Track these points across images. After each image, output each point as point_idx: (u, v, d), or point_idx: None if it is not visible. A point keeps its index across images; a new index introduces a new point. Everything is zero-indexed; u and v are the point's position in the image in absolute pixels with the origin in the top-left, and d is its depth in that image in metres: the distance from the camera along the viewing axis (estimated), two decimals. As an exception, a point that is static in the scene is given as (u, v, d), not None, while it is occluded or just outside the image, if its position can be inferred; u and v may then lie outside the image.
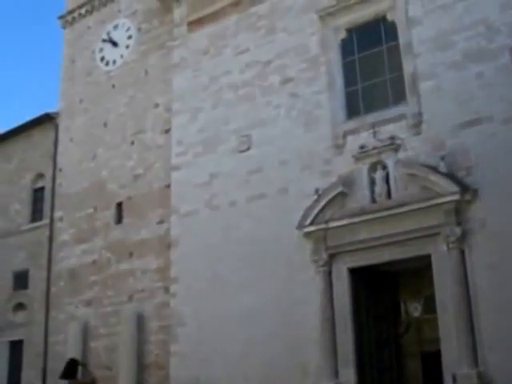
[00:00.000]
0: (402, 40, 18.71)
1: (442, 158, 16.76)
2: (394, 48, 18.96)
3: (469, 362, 15.48)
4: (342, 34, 19.98)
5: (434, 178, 16.74)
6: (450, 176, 16.57)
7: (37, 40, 69.62)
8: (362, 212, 17.75)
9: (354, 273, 18.07)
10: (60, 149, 27.88)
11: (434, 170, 16.82)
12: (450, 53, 17.70)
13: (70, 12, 29.30)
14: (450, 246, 16.30)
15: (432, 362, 17.68)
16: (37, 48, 70.17)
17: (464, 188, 16.30)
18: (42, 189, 28.72)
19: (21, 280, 27.84)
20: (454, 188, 16.33)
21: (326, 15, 20.19)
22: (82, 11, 28.78)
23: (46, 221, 27.63)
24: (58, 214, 27.03)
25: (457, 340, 15.75)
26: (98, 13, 28.19)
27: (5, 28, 70.79)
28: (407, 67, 18.38)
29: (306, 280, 18.42)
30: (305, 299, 18.36)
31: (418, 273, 18.26)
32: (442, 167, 16.69)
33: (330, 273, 18.18)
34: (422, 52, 18.18)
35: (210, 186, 21.35)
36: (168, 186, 22.79)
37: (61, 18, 29.68)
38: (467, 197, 16.30)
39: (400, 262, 17.64)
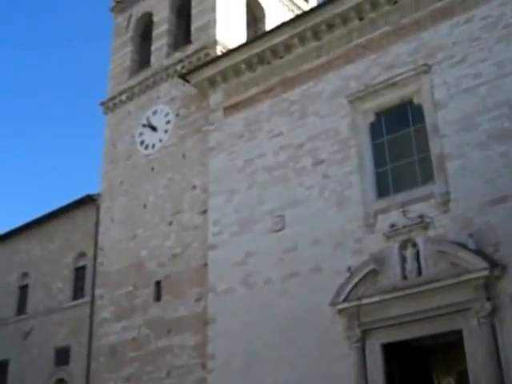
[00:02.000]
0: (428, 122, 19.42)
1: (471, 235, 17.17)
2: (421, 130, 19.66)
3: None
4: (371, 118, 20.72)
5: (463, 254, 17.14)
6: (479, 252, 16.95)
7: (79, 125, 72.04)
8: (394, 289, 18.12)
9: (387, 348, 18.28)
10: (101, 229, 28.55)
11: (463, 246, 17.22)
12: (474, 133, 18.34)
13: (112, 98, 30.37)
14: (481, 321, 16.55)
15: None
16: (79, 133, 72.52)
17: (493, 264, 16.67)
18: (83, 267, 29.30)
19: (62, 356, 28.29)
20: (483, 264, 16.70)
21: (355, 100, 21.02)
22: (123, 98, 29.81)
23: (87, 298, 28.13)
24: (98, 291, 27.52)
25: (491, 415, 15.84)
26: (138, 99, 29.18)
27: (49, 114, 73.41)
28: (434, 148, 19.01)
29: (340, 356, 18.68)
30: (339, 375, 18.55)
31: (450, 348, 18.42)
32: (471, 244, 17.08)
33: (363, 349, 18.41)
34: (448, 133, 18.83)
35: (245, 265, 21.80)
36: (205, 265, 23.29)
37: (102, 104, 30.75)
38: (496, 272, 16.65)
39: (432, 337, 17.88)
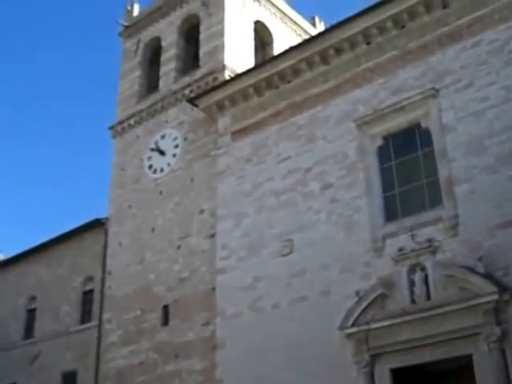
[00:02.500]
0: (436, 146, 19.47)
1: (480, 259, 17.12)
2: (429, 153, 19.69)
3: None
4: (379, 141, 20.77)
5: (472, 278, 17.08)
6: (488, 276, 16.88)
7: (88, 150, 72.41)
8: (403, 313, 18.04)
9: (397, 373, 18.16)
10: (109, 253, 28.54)
11: (472, 270, 17.17)
12: (483, 157, 18.37)
13: (120, 123, 30.50)
14: (491, 345, 16.45)
15: None
16: (88, 158, 72.87)
17: (502, 288, 16.59)
18: (91, 291, 29.28)
19: (69, 380, 28.16)
20: (493, 288, 16.63)
21: (362, 124, 21.09)
22: (131, 122, 29.94)
23: (94, 322, 28.07)
24: (106, 315, 27.46)
25: None
26: (147, 123, 29.31)
27: (59, 140, 73.86)
28: (442, 172, 19.03)
29: (349, 381, 18.55)
30: (348, 400, 18.45)
31: (460, 372, 18.18)
32: (480, 268, 17.03)
33: (372, 374, 18.30)
34: (456, 157, 18.86)
35: (253, 289, 21.75)
36: (213, 289, 23.25)
37: (111, 128, 30.89)
38: (506, 297, 16.57)
39: (442, 362, 17.74)
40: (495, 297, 16.56)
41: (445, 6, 20.47)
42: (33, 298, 32.27)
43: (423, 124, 20.01)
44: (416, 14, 20.91)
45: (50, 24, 74.79)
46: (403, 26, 21.26)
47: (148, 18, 31.82)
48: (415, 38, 20.93)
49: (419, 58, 20.65)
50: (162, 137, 28.37)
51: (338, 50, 22.44)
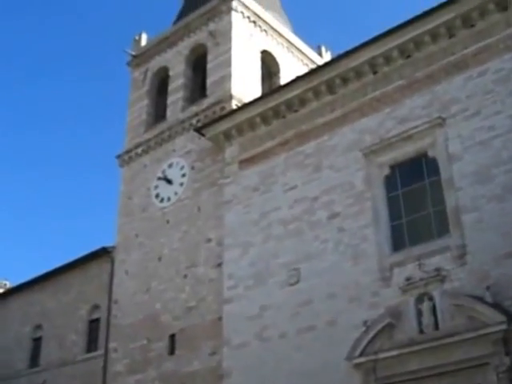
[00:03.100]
0: (443, 175, 19.48)
1: (488, 288, 17.04)
2: (436, 183, 19.70)
3: None
4: (386, 171, 20.77)
5: (480, 308, 16.99)
6: (497, 306, 16.80)
7: (96, 179, 72.67)
8: (411, 343, 17.91)
9: (405, 404, 17.99)
10: (115, 281, 28.47)
11: (480, 300, 17.09)
12: (490, 186, 18.36)
13: (128, 151, 30.59)
14: (500, 376, 16.31)
15: None
16: (96, 187, 73.11)
17: (511, 317, 16.46)
18: (97, 320, 29.19)
19: (75, 409, 27.99)
20: (501, 317, 16.53)
21: (369, 153, 21.13)
22: (139, 151, 30.02)
23: (100, 351, 27.94)
24: (112, 344, 27.32)
25: None
26: (154, 152, 29.39)
27: (66, 168, 74.23)
28: (449, 201, 19.02)
29: (357, 411, 18.42)
30: (356, 431, 18.30)
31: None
32: (488, 297, 16.95)
33: (380, 404, 18.16)
34: (463, 186, 18.86)
35: (260, 319, 21.63)
36: (220, 319, 23.11)
37: (118, 157, 30.99)
38: (514, 326, 16.43)
39: (451, 392, 17.62)
40: (504, 326, 16.44)
41: (451, 36, 20.63)
42: (38, 327, 32.17)
43: (430, 153, 20.03)
44: (422, 43, 21.07)
45: (58, 52, 75.69)
46: (409, 56, 21.40)
47: (156, 47, 32.08)
48: (421, 68, 21.06)
49: (426, 87, 20.75)
50: (170, 166, 28.42)
51: (345, 80, 22.56)
